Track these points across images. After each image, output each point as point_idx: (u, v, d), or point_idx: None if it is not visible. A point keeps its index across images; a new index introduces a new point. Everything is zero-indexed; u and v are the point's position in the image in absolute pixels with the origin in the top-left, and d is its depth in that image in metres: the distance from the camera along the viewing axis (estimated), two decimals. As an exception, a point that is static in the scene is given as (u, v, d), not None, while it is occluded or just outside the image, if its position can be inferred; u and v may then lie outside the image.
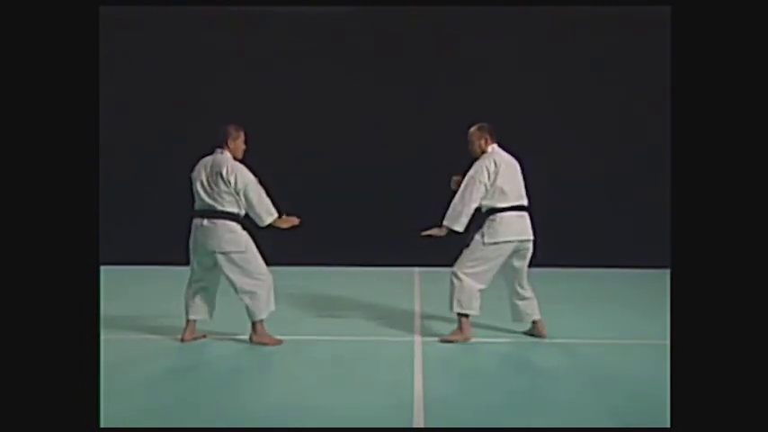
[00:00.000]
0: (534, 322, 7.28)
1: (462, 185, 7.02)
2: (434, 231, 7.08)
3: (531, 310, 7.25)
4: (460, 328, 7.09)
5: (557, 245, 11.29)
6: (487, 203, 6.99)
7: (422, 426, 4.77)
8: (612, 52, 11.84)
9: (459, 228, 6.99)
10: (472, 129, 7.15)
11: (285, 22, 11.87)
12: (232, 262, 6.80)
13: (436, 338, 7.14)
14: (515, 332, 7.35)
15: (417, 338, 7.18)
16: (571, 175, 11.86)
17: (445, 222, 7.01)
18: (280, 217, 6.89)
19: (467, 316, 7.06)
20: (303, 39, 11.93)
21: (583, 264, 11.71)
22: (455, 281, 7.03)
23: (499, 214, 6.96)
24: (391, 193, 11.95)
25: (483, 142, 7.10)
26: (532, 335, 7.29)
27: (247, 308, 6.91)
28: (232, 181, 6.72)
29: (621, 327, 7.82)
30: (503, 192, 6.96)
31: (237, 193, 6.73)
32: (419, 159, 11.82)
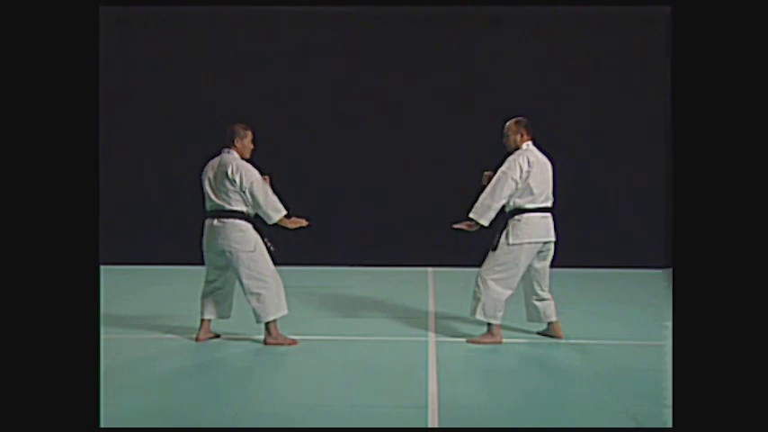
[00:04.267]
0: (550, 323, 7.25)
1: (493, 180, 6.92)
2: (464, 225, 6.99)
3: (550, 311, 7.21)
4: (491, 332, 7.04)
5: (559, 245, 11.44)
6: (514, 202, 6.91)
7: (437, 426, 4.76)
8: (612, 52, 11.89)
9: (486, 222, 6.91)
10: (509, 122, 7.06)
11: (291, 21, 11.89)
12: (240, 261, 6.82)
13: (451, 338, 7.12)
14: (530, 332, 7.33)
15: (432, 338, 7.17)
16: (572, 175, 11.87)
17: (472, 215, 6.93)
18: (288, 216, 6.91)
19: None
20: (311, 37, 11.96)
21: (587, 264, 11.76)
22: (481, 287, 6.95)
23: (525, 215, 6.89)
24: (403, 193, 11.97)
25: (519, 137, 7.01)
26: (548, 335, 7.26)
27: (254, 310, 6.92)
28: (237, 180, 6.74)
29: (635, 327, 7.77)
30: (531, 192, 6.89)
31: (243, 192, 6.75)
32: (431, 159, 11.85)
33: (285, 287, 6.98)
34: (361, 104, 11.97)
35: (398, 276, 11.07)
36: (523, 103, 11.41)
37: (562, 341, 7.05)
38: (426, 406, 5.13)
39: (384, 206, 11.95)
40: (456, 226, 7.03)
